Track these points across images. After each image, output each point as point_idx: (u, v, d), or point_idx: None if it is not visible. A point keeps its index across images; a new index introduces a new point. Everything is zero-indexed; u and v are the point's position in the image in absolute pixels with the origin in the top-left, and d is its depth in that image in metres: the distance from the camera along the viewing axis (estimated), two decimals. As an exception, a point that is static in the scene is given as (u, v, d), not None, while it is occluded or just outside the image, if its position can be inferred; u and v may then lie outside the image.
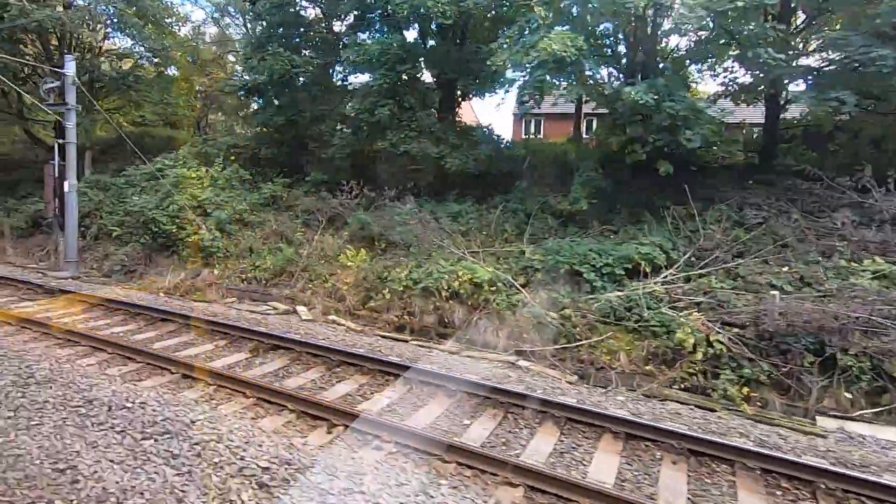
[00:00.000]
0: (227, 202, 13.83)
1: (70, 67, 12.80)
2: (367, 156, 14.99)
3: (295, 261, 12.03)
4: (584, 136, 21.12)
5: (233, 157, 16.28)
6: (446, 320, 9.54)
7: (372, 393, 6.42)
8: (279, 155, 16.61)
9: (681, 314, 8.03)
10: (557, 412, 5.96)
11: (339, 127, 15.78)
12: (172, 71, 21.33)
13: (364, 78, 16.68)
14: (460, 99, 16.35)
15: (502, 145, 15.34)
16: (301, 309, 10.41)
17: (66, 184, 12.86)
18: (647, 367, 7.69)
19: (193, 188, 14.15)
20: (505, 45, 11.07)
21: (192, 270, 12.63)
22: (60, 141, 12.90)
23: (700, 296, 8.52)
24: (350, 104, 13.49)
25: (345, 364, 7.18)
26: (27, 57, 16.77)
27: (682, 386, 7.31)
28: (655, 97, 9.17)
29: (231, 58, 23.39)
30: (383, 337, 9.14)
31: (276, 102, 16.06)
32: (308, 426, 5.48)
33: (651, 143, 9.94)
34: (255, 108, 18.13)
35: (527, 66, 9.68)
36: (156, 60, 19.31)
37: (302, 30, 15.32)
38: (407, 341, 8.96)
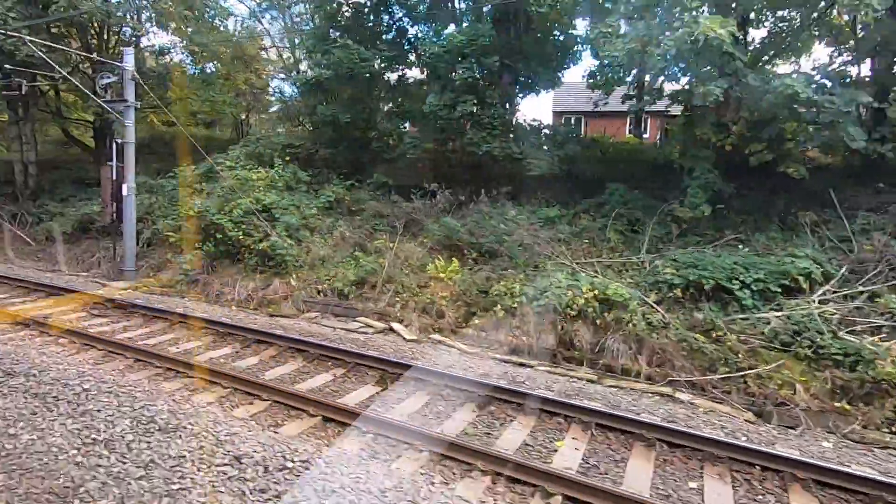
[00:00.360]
0: (294, 206, 12.82)
1: (129, 61, 11.86)
2: (440, 156, 13.95)
3: (376, 271, 11.00)
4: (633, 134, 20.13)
5: (287, 158, 15.30)
6: (570, 342, 8.48)
7: (551, 440, 5.36)
8: (337, 155, 15.62)
9: (866, 339, 6.93)
10: (784, 468, 4.88)
11: (403, 126, 14.75)
12: (210, 68, 20.44)
13: (413, 73, 15.86)
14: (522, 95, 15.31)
15: (586, 145, 14.24)
16: (397, 326, 9.38)
17: (124, 187, 11.92)
18: (838, 404, 6.59)
19: (256, 191, 13.15)
20: (603, 32, 10.06)
21: (261, 281, 11.63)
22: (119, 140, 11.96)
23: (877, 317, 7.42)
24: (429, 99, 12.42)
25: (499, 402, 6.12)
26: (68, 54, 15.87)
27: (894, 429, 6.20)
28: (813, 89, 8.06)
29: (269, 55, 22.42)
30: (503, 361, 8.09)
31: (324, 100, 15.16)
32: (519, 498, 4.41)
33: (792, 142, 8.86)
34: (311, 104, 17.07)
35: (658, 54, 8.57)
36: (203, 55, 18.37)
37: (370, 22, 14.24)
38: (532, 366, 7.91)
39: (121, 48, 17.64)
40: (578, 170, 13.27)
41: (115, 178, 11.94)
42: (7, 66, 15.58)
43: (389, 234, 12.48)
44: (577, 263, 9.80)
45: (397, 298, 10.41)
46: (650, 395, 7.04)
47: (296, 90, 17.05)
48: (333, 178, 14.75)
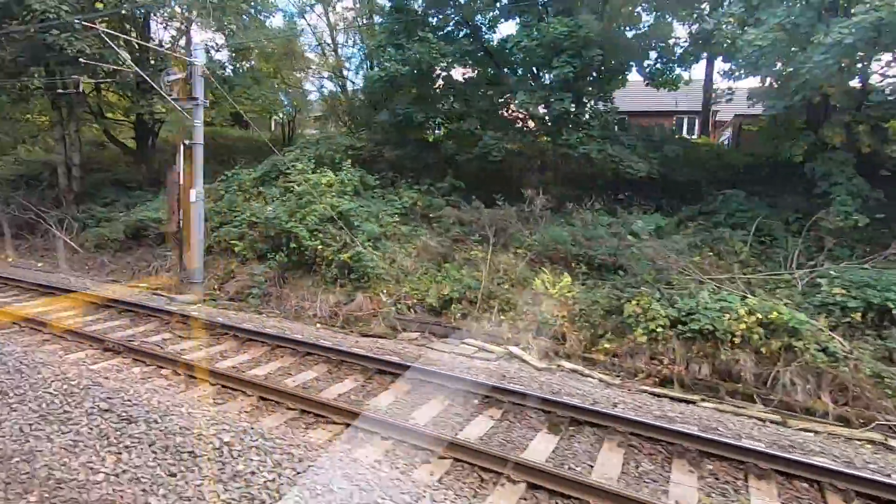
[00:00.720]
0: (372, 213, 11.84)
1: (199, 56, 10.93)
2: (525, 159, 12.92)
3: (472, 285, 9.99)
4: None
5: (350, 160, 14.33)
6: (728, 373, 7.40)
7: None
8: (404, 157, 14.64)
9: None
10: None
11: (476, 127, 13.73)
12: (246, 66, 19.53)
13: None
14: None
15: (687, 146, 13.16)
16: (517, 351, 8.34)
17: (192, 192, 10.97)
18: None
19: (328, 196, 12.18)
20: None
21: (342, 295, 10.65)
22: (187, 142, 11.01)
23: None
24: (519, 97, 11.39)
25: (712, 458, 5.07)
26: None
27: None
28: None
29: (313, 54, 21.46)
30: (656, 395, 7.04)
31: (385, 98, 14.18)
32: None
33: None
34: (372, 103, 16.11)
35: (827, 42, 7.47)
36: (249, 52, 17.49)
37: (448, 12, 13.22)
38: (694, 402, 6.85)
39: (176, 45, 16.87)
40: (675, 173, 12.19)
41: (181, 182, 10.99)
42: (51, 62, 14.82)
43: (476, 243, 11.48)
44: (708, 279, 8.73)
45: (503, 317, 9.40)
46: (856, 442, 5.97)
47: (354, 87, 16.08)
48: (401, 183, 13.78)
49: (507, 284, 9.96)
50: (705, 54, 13.86)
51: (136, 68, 10.91)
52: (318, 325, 9.86)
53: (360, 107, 17.24)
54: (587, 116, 11.27)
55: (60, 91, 13.39)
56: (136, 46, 14.59)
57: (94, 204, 16.84)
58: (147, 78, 10.57)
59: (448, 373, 6.76)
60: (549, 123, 11.37)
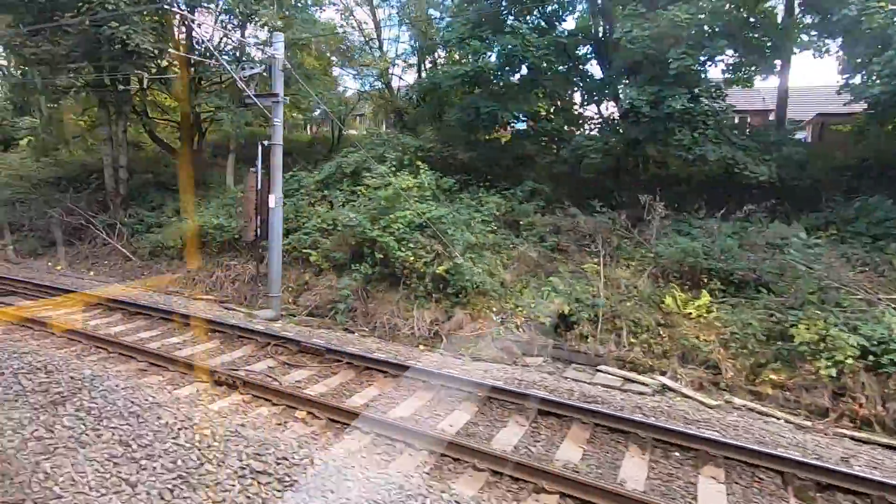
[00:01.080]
0: (464, 220, 10.81)
1: (278, 48, 9.96)
2: (614, 160, 11.86)
3: (590, 302, 8.94)
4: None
5: (419, 162, 13.33)
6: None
7: None
8: (476, 160, 13.61)
9: None
10: None
11: (566, 126, 12.70)
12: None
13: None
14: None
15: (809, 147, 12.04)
16: (668, 381, 7.28)
17: (271, 198, 10.00)
18: None
19: (411, 201, 11.18)
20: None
21: (438, 311, 9.63)
22: (265, 143, 10.05)
23: None
24: (629, 93, 10.33)
25: None
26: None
27: None
28: None
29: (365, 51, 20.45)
30: (861, 441, 5.96)
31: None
32: None
33: None
34: (438, 103, 15.12)
35: None
36: (302, 47, 16.53)
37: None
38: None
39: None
40: (793, 177, 11.07)
41: (259, 186, 10.02)
42: (104, 57, 13.94)
43: (583, 254, 10.44)
44: (883, 299, 7.62)
45: (633, 340, 8.34)
46: None
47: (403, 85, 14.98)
48: (476, 186, 12.74)
49: (630, 302, 8.90)
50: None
51: (223, 62, 9.93)
52: (421, 347, 8.85)
53: (423, 104, 16.21)
54: (702, 115, 10.16)
55: (121, 88, 12.48)
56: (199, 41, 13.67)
57: (140, 208, 15.96)
58: (231, 71, 9.58)
59: (628, 416, 5.70)
60: (656, 122, 10.27)
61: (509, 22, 11.75)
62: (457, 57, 15.90)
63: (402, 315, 9.84)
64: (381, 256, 10.24)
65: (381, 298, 10.36)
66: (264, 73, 9.96)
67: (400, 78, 19.79)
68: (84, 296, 10.26)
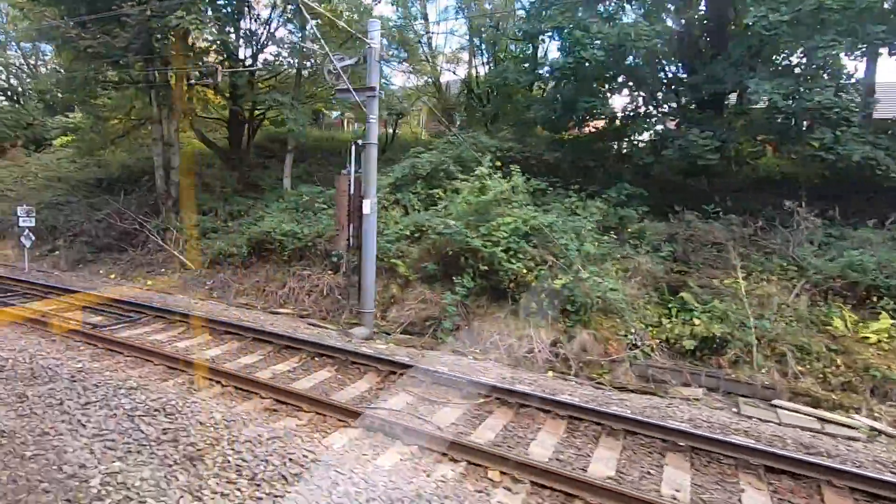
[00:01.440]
0: (574, 228, 9.76)
1: (374, 36, 8.96)
2: (728, 162, 10.79)
3: (733, 323, 7.87)
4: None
5: (498, 162, 12.29)
6: None
7: None
8: (561, 160, 12.57)
9: None
10: None
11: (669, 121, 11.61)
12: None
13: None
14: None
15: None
16: (869, 422, 6.19)
17: (365, 203, 9.00)
18: None
19: (509, 206, 10.17)
20: None
21: (556, 331, 8.59)
22: (360, 142, 9.06)
23: None
24: (761, 87, 9.22)
25: None
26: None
27: None
28: None
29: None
30: None
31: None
32: None
33: None
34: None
35: None
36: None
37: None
38: None
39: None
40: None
41: (352, 190, 9.02)
42: (165, 49, 13.02)
43: (704, 266, 9.39)
44: None
45: (802, 369, 7.26)
46: None
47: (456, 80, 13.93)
48: (563, 189, 11.68)
49: (785, 323, 7.82)
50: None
51: (320, 45, 8.93)
52: (551, 373, 7.82)
53: (487, 101, 15.17)
54: (846, 110, 9.07)
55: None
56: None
57: (191, 212, 15.02)
58: (332, 59, 8.55)
59: (865, 473, 4.65)
60: (793, 119, 9.20)
61: (610, 9, 10.68)
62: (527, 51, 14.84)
63: (510, 333, 8.82)
64: (486, 268, 9.23)
65: (484, 315, 9.33)
66: (361, 62, 8.92)
67: (454, 73, 18.81)
68: (155, 311, 9.31)
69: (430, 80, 19.56)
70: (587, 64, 10.46)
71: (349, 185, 9.06)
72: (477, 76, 18.14)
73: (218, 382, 6.14)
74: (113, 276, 12.98)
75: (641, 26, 10.13)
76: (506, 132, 13.74)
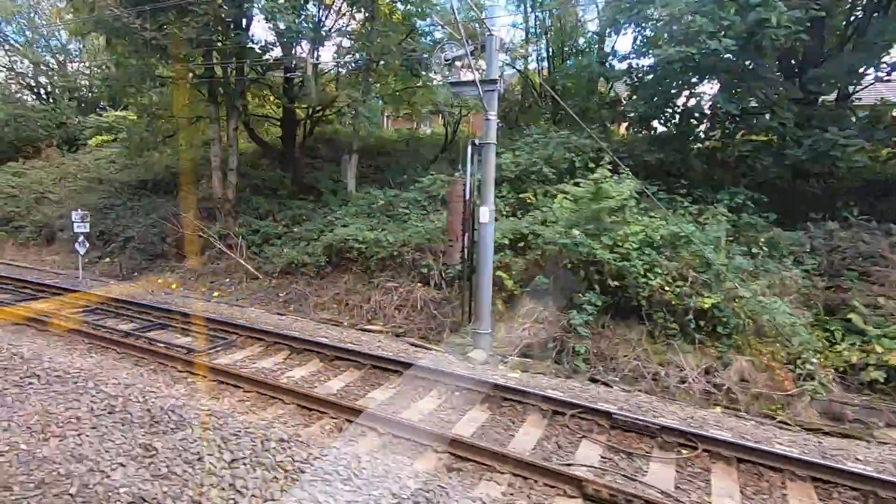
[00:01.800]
0: (710, 239, 8.70)
1: (494, 22, 7.94)
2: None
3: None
4: None
5: (598, 164, 11.22)
6: None
7: None
8: (667, 162, 11.50)
9: None
10: None
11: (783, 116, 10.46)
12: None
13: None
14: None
15: None
16: None
17: (483, 210, 8.00)
18: None
19: (629, 214, 9.14)
20: None
21: (706, 357, 7.54)
22: (477, 141, 8.05)
23: None
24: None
25: None
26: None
27: None
28: None
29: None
30: None
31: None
32: None
33: None
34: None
35: None
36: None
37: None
38: None
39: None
40: None
41: (468, 196, 8.01)
42: (233, 42, 12.08)
43: (859, 280, 8.31)
44: None
45: None
46: None
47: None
48: (668, 194, 10.61)
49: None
50: None
51: (456, 35, 7.93)
52: (719, 409, 6.76)
53: (570, 96, 14.11)
54: None
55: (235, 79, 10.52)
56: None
57: (246, 216, 14.08)
58: (450, 49, 7.55)
59: None
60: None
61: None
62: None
63: (651, 360, 7.78)
64: (616, 284, 8.19)
65: (612, 336, 8.30)
66: (475, 53, 7.92)
67: (516, 68, 17.70)
68: (245, 329, 8.36)
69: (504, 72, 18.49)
70: (710, 56, 9.37)
71: (465, 190, 8.04)
72: (541, 70, 17.06)
73: (372, 429, 5.13)
74: (175, 286, 12.04)
75: (784, 15, 9.00)
76: (595, 130, 12.64)
